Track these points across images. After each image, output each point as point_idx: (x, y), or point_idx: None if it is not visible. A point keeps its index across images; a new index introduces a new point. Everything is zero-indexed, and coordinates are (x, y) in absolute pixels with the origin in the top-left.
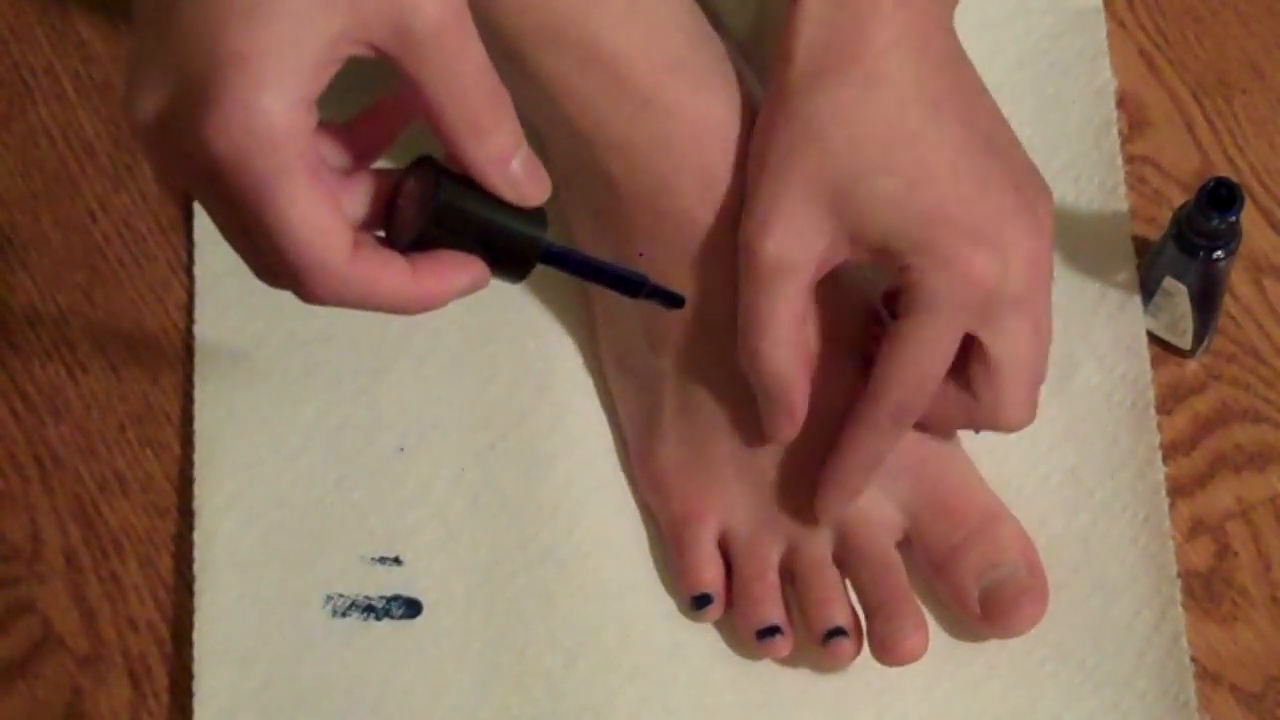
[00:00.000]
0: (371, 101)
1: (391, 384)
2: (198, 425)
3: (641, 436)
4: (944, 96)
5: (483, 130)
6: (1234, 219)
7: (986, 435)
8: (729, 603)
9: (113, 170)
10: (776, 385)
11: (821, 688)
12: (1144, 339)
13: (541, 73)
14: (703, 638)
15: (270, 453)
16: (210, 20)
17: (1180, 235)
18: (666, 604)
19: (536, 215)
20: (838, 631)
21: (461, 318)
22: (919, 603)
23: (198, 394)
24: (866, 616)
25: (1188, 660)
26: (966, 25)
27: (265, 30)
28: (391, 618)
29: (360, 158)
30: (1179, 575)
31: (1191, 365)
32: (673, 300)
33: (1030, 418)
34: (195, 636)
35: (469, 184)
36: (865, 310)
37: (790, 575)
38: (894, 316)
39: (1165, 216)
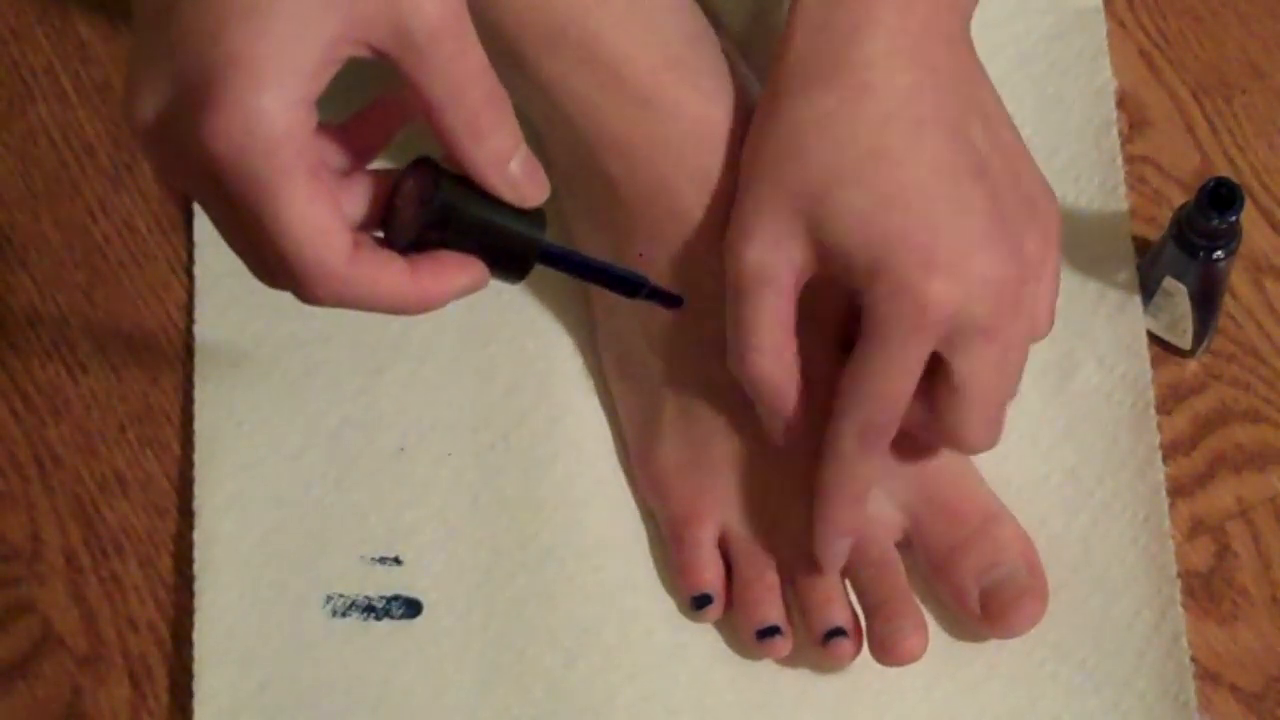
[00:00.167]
0: (368, 102)
1: (391, 384)
2: (198, 425)
3: (641, 437)
4: (935, 113)
5: (482, 131)
6: (1234, 219)
7: None
8: (729, 603)
9: (113, 170)
10: (766, 392)
11: (821, 688)
12: (1144, 339)
13: (541, 73)
14: (703, 638)
15: (270, 453)
16: (210, 22)
17: (1180, 235)
18: (666, 604)
19: (535, 216)
20: (837, 632)
21: (461, 318)
22: (918, 603)
23: (198, 394)
24: (866, 616)
25: (1188, 660)
26: None
27: (265, 31)
28: (391, 618)
29: (357, 158)
30: (1179, 575)
31: (1191, 365)
32: (671, 301)
33: (992, 442)
34: (195, 636)
35: (468, 184)
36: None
37: (790, 575)
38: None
39: (1165, 216)
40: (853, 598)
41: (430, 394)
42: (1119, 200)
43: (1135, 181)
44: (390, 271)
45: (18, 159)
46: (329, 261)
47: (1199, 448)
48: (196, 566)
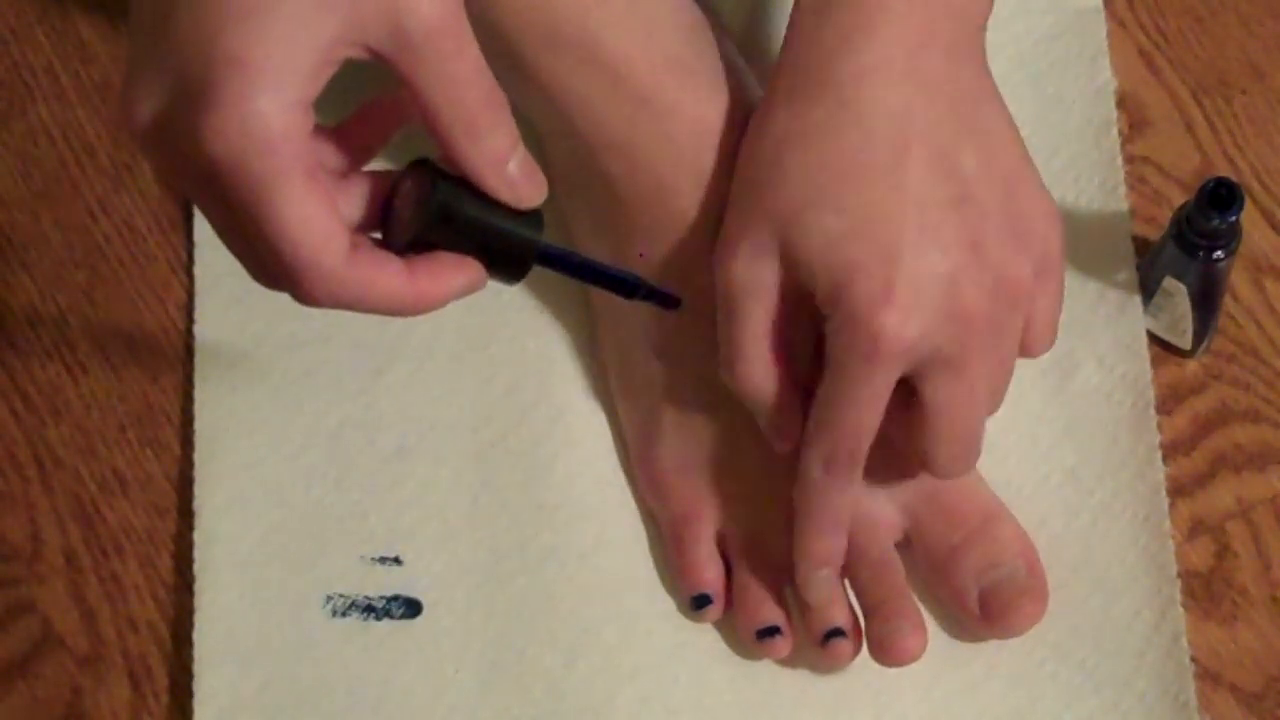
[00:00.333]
0: (364, 103)
1: (391, 384)
2: (198, 425)
3: (641, 437)
4: (922, 134)
5: (479, 132)
6: (1234, 219)
7: (987, 434)
8: (729, 603)
9: (113, 170)
10: (756, 402)
11: (821, 688)
12: (1144, 339)
13: (541, 73)
14: (703, 638)
15: (270, 453)
16: (206, 23)
17: (1180, 235)
18: (666, 604)
19: (533, 217)
20: (836, 632)
21: (461, 318)
22: (918, 603)
23: (198, 394)
24: (865, 617)
25: (1188, 660)
26: None
27: (262, 33)
28: (391, 618)
29: (354, 159)
30: (1179, 575)
31: (1191, 365)
32: (669, 301)
33: (965, 468)
34: (195, 636)
35: (465, 186)
36: None
37: (790, 575)
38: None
39: (1165, 216)
40: (852, 598)
41: (430, 394)
42: (1119, 200)
43: (1135, 181)
44: (388, 272)
45: (18, 159)
46: (326, 262)
47: (1199, 448)
48: (196, 566)
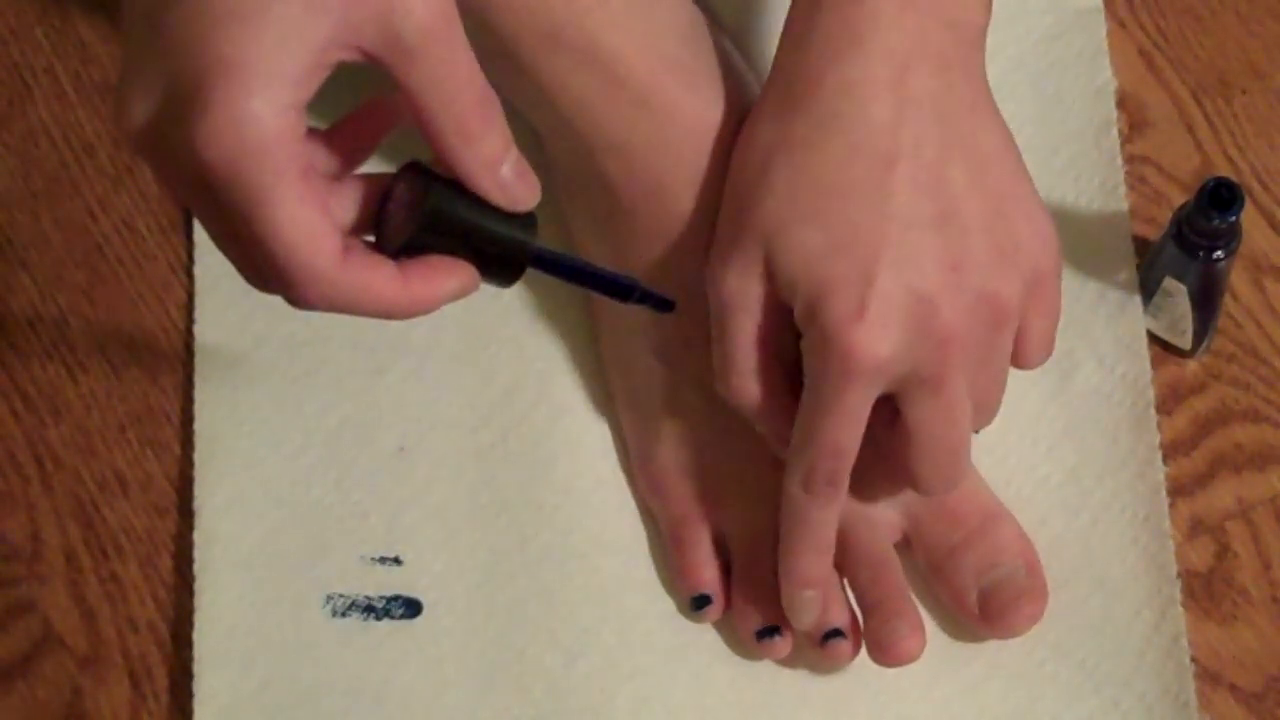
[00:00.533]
0: (356, 106)
1: (391, 384)
2: (198, 425)
3: (641, 437)
4: (907, 149)
5: (472, 135)
6: (1234, 219)
7: (986, 434)
8: (729, 603)
9: (113, 170)
10: (751, 413)
11: (821, 688)
12: (1144, 339)
13: (539, 74)
14: (703, 638)
15: (270, 453)
16: (199, 27)
17: (1180, 235)
18: (666, 604)
19: (527, 220)
20: (835, 633)
21: (461, 318)
22: (916, 604)
23: (198, 394)
24: (863, 617)
25: (1188, 660)
26: None
27: (255, 36)
28: (391, 618)
29: (347, 162)
30: (1179, 575)
31: (1191, 365)
32: (663, 304)
33: (947, 489)
34: (195, 636)
35: (459, 189)
36: None
37: None
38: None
39: (1165, 216)
40: (852, 598)
41: (430, 394)
42: (1119, 200)
43: (1135, 181)
44: (381, 275)
45: (18, 159)
46: (319, 265)
47: (1199, 448)
48: (196, 566)
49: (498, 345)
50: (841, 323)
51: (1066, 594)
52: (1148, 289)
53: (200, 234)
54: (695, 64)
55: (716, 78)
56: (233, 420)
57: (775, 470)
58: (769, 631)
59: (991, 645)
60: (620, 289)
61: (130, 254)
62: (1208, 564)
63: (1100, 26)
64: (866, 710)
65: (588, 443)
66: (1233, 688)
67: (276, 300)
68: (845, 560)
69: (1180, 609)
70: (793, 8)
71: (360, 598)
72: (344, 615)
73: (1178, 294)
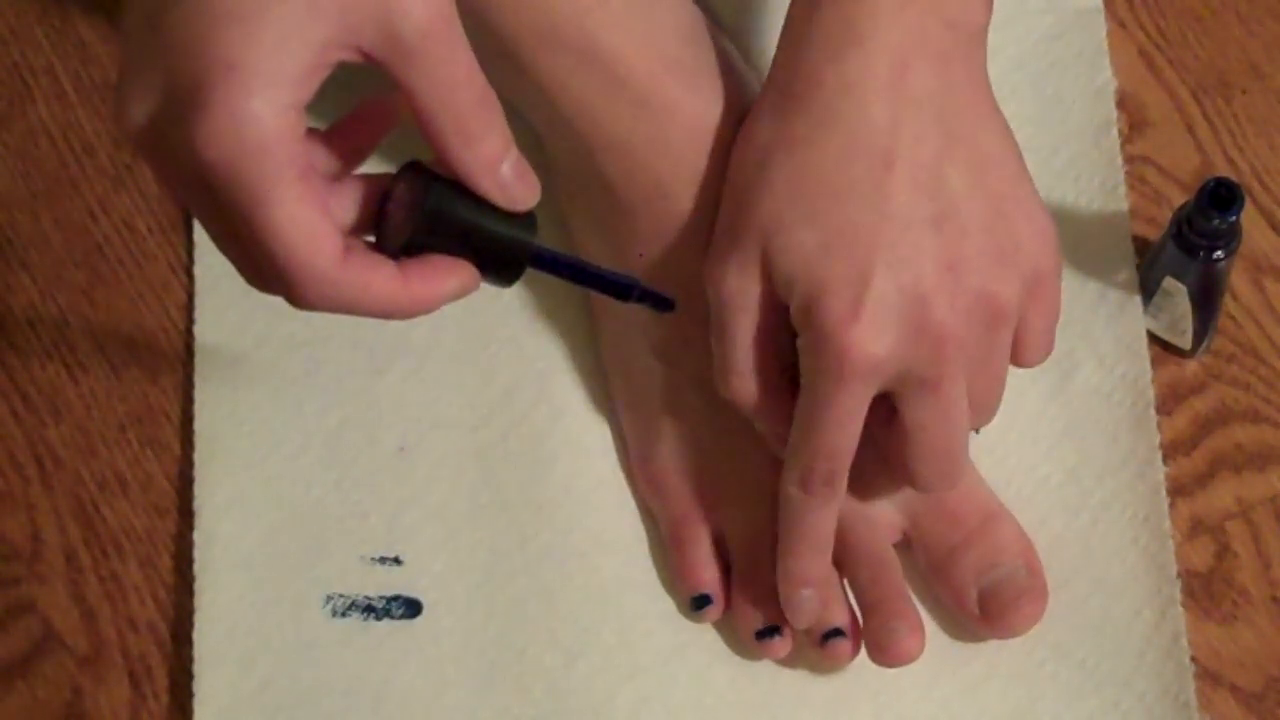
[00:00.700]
0: (357, 105)
1: (391, 384)
2: (198, 425)
3: (641, 437)
4: (905, 148)
5: (472, 134)
6: (1234, 219)
7: (987, 434)
8: (728, 603)
9: (113, 170)
10: (751, 412)
11: (821, 688)
12: (1144, 339)
13: (540, 73)
14: (703, 638)
15: (270, 453)
16: (199, 27)
17: (1180, 235)
18: (666, 604)
19: (526, 219)
20: (836, 633)
21: (461, 318)
22: (916, 604)
23: (198, 394)
24: (863, 617)
25: (1188, 660)
26: None
27: (254, 37)
28: (391, 618)
29: (346, 162)
30: (1179, 575)
31: (1191, 365)
32: (663, 304)
33: (945, 487)
34: (195, 636)
35: (458, 188)
36: None
37: None
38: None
39: (1165, 216)
40: (852, 598)
41: (430, 394)
42: (1119, 200)
43: (1135, 181)
44: (381, 275)
45: (18, 159)
46: (319, 265)
47: (1199, 448)
48: (196, 566)
49: (498, 345)
50: (837, 322)
51: (1066, 594)
52: (1148, 289)
53: (200, 234)
54: (695, 64)
55: (716, 78)
56: (233, 420)
57: (775, 470)
58: (769, 631)
59: (991, 645)
60: (620, 288)
61: (130, 254)
62: (1208, 564)
63: (1100, 26)
64: (866, 710)
65: (588, 443)
66: (1233, 688)
67: (276, 300)
68: (845, 560)
69: (1180, 609)
70: (792, 6)
71: (360, 598)
72: (344, 615)
73: (1178, 294)
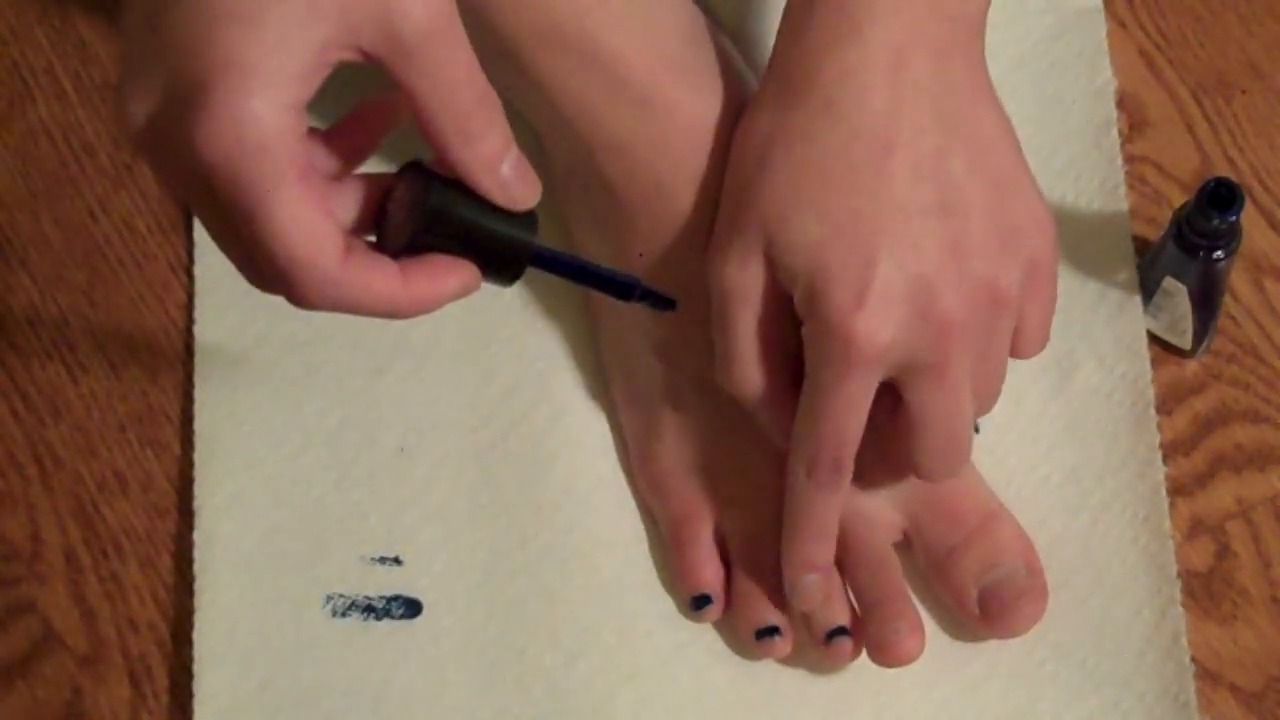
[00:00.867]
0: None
1: (391, 384)
2: (198, 425)
3: (641, 437)
4: (906, 137)
5: (472, 134)
6: (1234, 219)
7: (986, 434)
8: (729, 603)
9: (113, 170)
10: (754, 406)
11: (821, 688)
12: (1144, 339)
13: (539, 73)
14: (703, 638)
15: (270, 453)
16: (199, 27)
17: (1180, 235)
18: (666, 604)
19: (527, 219)
20: (839, 631)
21: (461, 318)
22: (916, 604)
23: (198, 394)
24: (863, 617)
25: (1188, 660)
26: None
27: (254, 36)
28: (391, 618)
29: (347, 162)
30: (1179, 575)
31: (1191, 365)
32: (665, 303)
33: (949, 475)
34: (195, 636)
35: (459, 188)
36: None
37: None
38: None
39: (1165, 216)
40: (852, 598)
41: (430, 394)
42: (1119, 200)
43: (1135, 181)
44: (382, 275)
45: (18, 159)
46: (321, 264)
47: (1199, 448)
48: (196, 566)
49: (498, 345)
50: (842, 310)
51: (1066, 594)
52: (1148, 289)
53: (200, 234)
54: (695, 64)
55: (716, 77)
56: (233, 420)
57: (776, 470)
58: (769, 631)
59: (991, 645)
60: (622, 287)
61: (130, 254)
62: (1208, 564)
63: (1100, 26)
64: (866, 710)
65: (588, 443)
66: (1233, 688)
67: (276, 300)
68: (845, 560)
69: (1180, 609)
70: (790, 2)
71: (360, 598)
72: (344, 615)
73: (1178, 294)
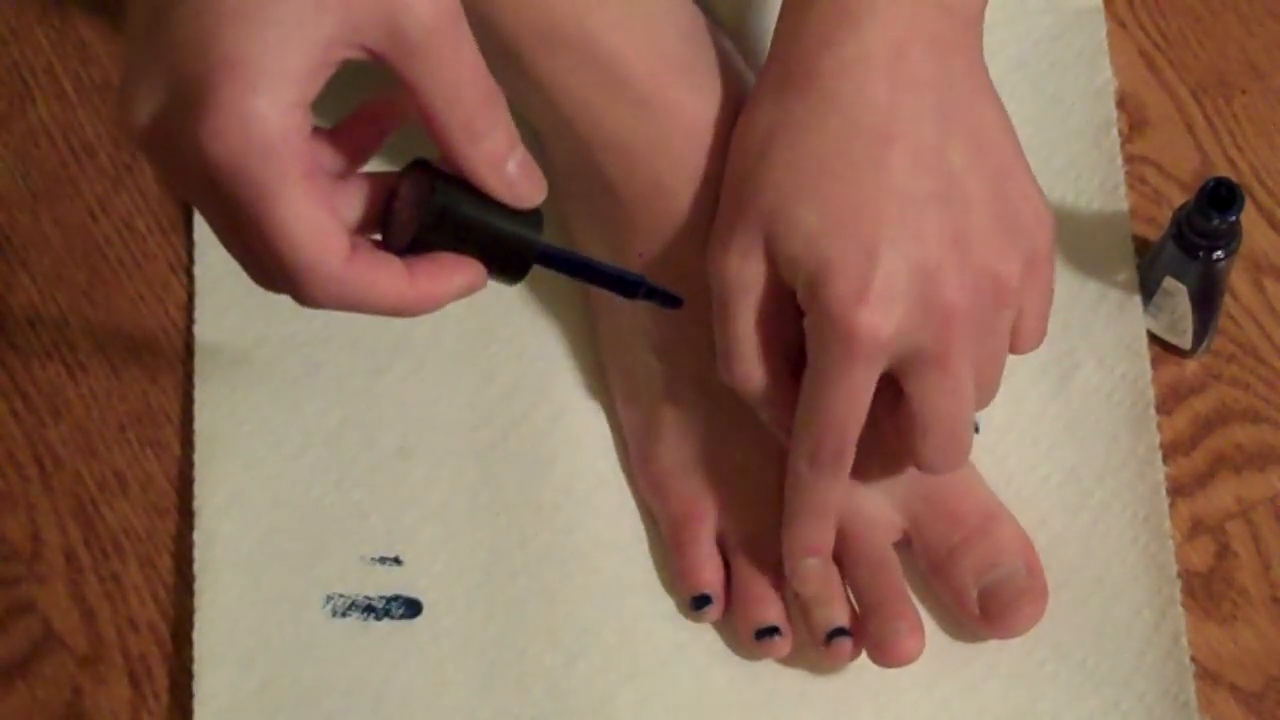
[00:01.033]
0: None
1: (391, 384)
2: (198, 425)
3: (641, 437)
4: (905, 128)
5: (477, 132)
6: (1234, 219)
7: (986, 434)
8: (729, 603)
9: (113, 170)
10: (756, 400)
11: (821, 688)
12: (1144, 339)
13: (540, 73)
14: (703, 638)
15: (270, 453)
16: (203, 26)
17: (1180, 235)
18: (666, 604)
19: (533, 217)
20: (840, 632)
21: (461, 318)
22: (916, 604)
23: (198, 394)
24: (863, 617)
25: (1188, 660)
26: None
27: (259, 35)
28: (391, 618)
29: (352, 161)
30: (1179, 575)
31: (1191, 365)
32: (670, 301)
33: (952, 467)
34: (195, 636)
35: (465, 186)
36: None
37: None
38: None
39: (1165, 216)
40: (852, 598)
41: (430, 394)
42: (1119, 200)
43: (1135, 181)
44: (388, 273)
45: (18, 159)
46: (326, 263)
47: (1199, 448)
48: (196, 566)
49: (498, 345)
50: (844, 302)
51: (1066, 594)
52: (1148, 289)
53: (200, 234)
54: (695, 62)
55: (716, 77)
56: (233, 420)
57: (776, 470)
58: (769, 631)
59: (991, 645)
60: (628, 285)
61: (130, 254)
62: (1208, 564)
63: (1100, 27)
64: (866, 710)
65: (588, 443)
66: (1233, 688)
67: (276, 300)
68: (845, 560)
69: (1180, 609)
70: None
71: (360, 598)
72: (344, 615)
73: (1178, 294)
